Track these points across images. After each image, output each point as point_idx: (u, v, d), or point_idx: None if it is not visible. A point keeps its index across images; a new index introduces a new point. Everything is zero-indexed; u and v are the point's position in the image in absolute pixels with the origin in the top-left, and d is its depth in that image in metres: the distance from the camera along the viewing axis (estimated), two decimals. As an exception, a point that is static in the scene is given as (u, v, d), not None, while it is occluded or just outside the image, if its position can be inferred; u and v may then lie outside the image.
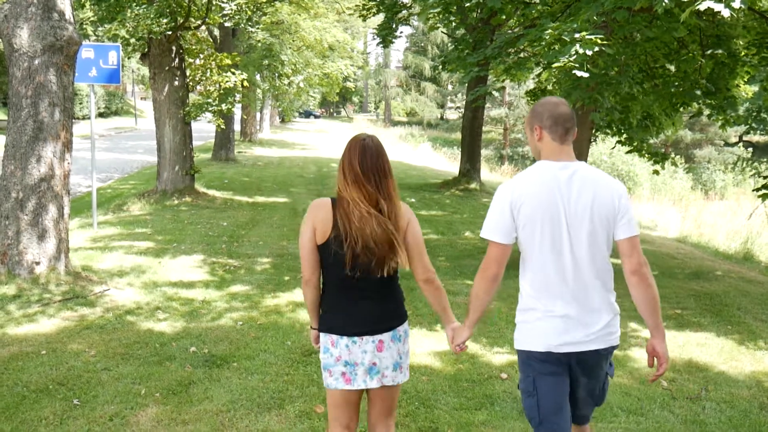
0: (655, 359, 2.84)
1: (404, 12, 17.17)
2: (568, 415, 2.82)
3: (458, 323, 3.04)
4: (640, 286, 2.76)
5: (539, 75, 12.16)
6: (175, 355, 5.40)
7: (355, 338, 2.87)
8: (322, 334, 2.97)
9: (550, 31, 6.67)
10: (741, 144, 40.41)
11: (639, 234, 2.77)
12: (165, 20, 12.62)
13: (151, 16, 12.31)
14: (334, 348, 2.91)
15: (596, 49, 6.35)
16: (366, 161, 2.84)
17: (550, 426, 2.77)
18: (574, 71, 6.43)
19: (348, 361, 2.88)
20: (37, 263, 6.90)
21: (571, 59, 6.30)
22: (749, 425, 4.57)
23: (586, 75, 6.45)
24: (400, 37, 18.19)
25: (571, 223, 2.69)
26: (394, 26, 16.97)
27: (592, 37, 6.35)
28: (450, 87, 62.32)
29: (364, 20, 18.46)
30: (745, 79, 9.85)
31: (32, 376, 4.87)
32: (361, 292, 2.87)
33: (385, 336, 2.90)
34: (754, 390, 5.23)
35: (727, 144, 41.62)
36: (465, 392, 4.88)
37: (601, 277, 2.78)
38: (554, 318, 2.72)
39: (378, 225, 2.77)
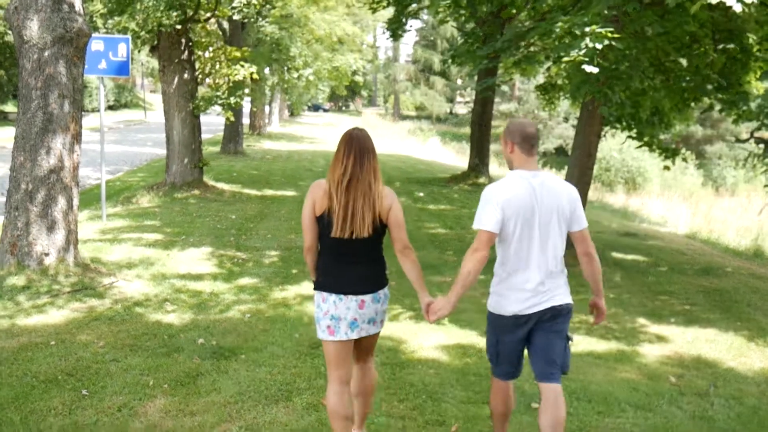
0: (596, 312, 3.79)
1: (414, 5, 17.11)
2: (520, 362, 3.70)
3: (432, 297, 3.57)
4: (590, 264, 3.63)
5: (549, 69, 12.11)
6: (183, 346, 5.41)
7: (342, 296, 3.42)
8: (316, 292, 3.51)
9: (560, 24, 6.62)
10: (752, 140, 40.08)
11: (587, 225, 3.61)
12: (175, 13, 12.62)
13: (161, 8, 12.32)
14: (324, 303, 3.46)
15: (606, 42, 6.31)
16: (352, 144, 3.40)
17: (504, 369, 3.70)
18: (583, 66, 6.39)
19: (334, 315, 3.42)
20: (47, 254, 6.93)
21: (581, 53, 6.26)
22: (758, 422, 4.55)
23: (596, 70, 6.41)
24: (409, 30, 18.20)
25: (541, 219, 3.47)
26: (403, 20, 16.91)
27: (603, 30, 6.31)
28: (459, 81, 62.10)
29: (374, 13, 18.43)
30: (758, 75, 9.75)
31: (41, 366, 4.90)
32: (350, 257, 3.43)
33: (367, 297, 3.45)
34: (763, 386, 5.21)
35: (738, 140, 41.30)
36: (472, 386, 4.88)
37: (558, 256, 3.55)
38: (522, 291, 3.49)
39: (346, 200, 3.34)
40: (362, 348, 3.66)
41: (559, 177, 3.70)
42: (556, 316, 3.54)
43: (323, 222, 3.39)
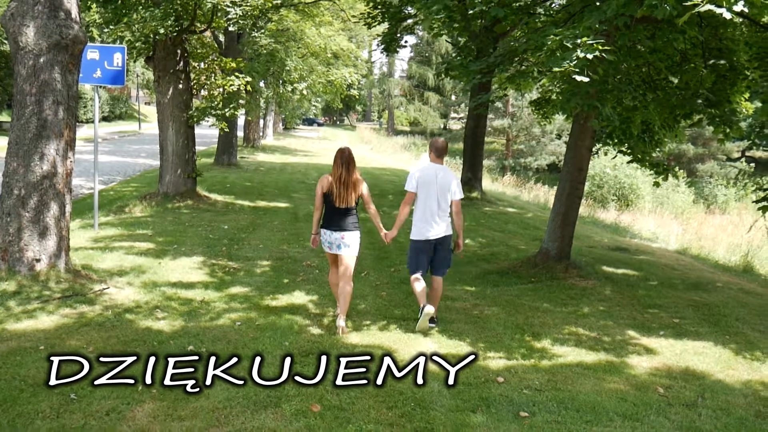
0: (456, 246, 6.69)
1: (409, 21, 17.22)
2: (426, 267, 6.55)
3: (386, 230, 6.54)
4: (457, 216, 6.53)
5: (542, 83, 12.19)
6: (173, 353, 5.39)
7: (332, 231, 6.30)
8: (321, 229, 6.37)
9: (552, 37, 6.70)
10: (743, 159, 40.43)
11: (462, 196, 6.59)
12: (169, 22, 12.66)
13: (158, 17, 12.36)
14: (324, 235, 6.36)
15: (597, 53, 6.39)
16: (343, 156, 6.27)
17: (416, 269, 6.48)
18: (574, 76, 6.46)
19: (329, 241, 6.34)
20: (38, 260, 6.92)
21: (572, 64, 6.34)
22: (744, 432, 4.57)
23: (586, 80, 6.48)
24: (404, 46, 18.23)
25: (439, 188, 6.39)
26: (398, 35, 17.02)
27: (593, 42, 6.40)
28: (453, 97, 62.36)
29: (369, 28, 18.50)
30: (746, 96, 9.83)
31: (30, 370, 4.89)
32: (339, 214, 6.27)
33: (345, 233, 6.29)
34: (750, 398, 5.24)
35: (729, 159, 41.66)
36: (461, 394, 4.89)
37: (447, 209, 6.41)
38: (428, 225, 6.40)
39: (339, 187, 6.21)
40: (343, 266, 6.32)
41: (449, 169, 6.61)
42: (446, 240, 6.49)
43: (327, 196, 6.22)
